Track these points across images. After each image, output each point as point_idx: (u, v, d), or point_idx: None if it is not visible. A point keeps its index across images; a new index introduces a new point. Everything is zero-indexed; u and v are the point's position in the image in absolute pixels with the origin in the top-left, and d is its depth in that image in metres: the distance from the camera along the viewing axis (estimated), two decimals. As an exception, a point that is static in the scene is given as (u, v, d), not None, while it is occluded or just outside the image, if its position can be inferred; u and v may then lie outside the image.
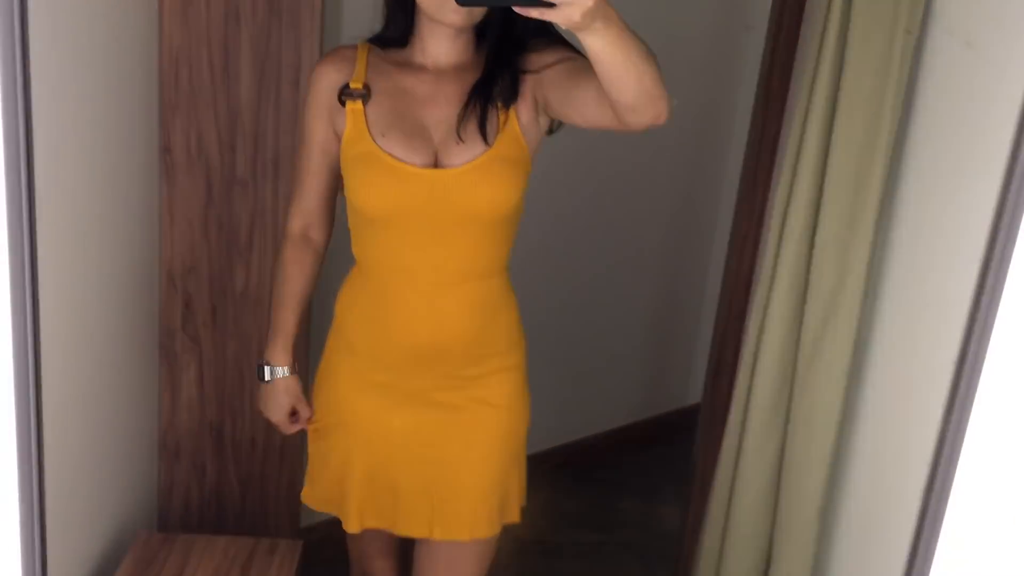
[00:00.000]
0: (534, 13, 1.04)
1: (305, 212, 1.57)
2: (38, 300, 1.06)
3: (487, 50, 1.44)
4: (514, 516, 1.58)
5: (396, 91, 1.45)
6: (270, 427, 2.10)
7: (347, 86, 1.44)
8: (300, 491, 2.13)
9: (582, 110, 1.32)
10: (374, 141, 1.42)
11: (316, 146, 1.50)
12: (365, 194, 1.43)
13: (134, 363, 1.92)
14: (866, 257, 1.46)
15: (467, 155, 1.40)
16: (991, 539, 1.08)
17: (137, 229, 1.87)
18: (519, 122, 1.42)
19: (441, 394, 1.52)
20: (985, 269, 0.99)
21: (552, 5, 1.03)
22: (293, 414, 1.64)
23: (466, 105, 1.41)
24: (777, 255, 1.55)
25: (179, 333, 2.01)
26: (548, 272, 2.75)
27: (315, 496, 1.67)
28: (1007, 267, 0.99)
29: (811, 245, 1.52)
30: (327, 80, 1.46)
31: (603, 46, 1.11)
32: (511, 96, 1.42)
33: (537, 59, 1.41)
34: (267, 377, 1.60)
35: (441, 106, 1.43)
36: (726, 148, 2.99)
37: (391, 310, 1.48)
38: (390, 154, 1.41)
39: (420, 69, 1.46)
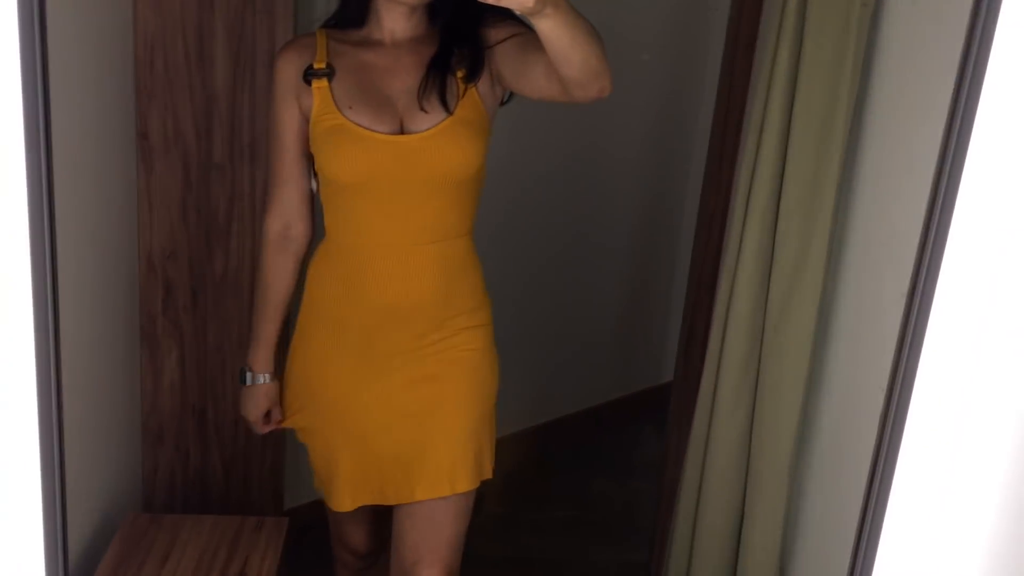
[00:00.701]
0: (491, 0, 1.13)
1: (284, 208, 1.60)
2: (57, 295, 1.10)
3: (442, 24, 1.52)
4: (487, 472, 1.63)
5: (358, 67, 1.52)
6: (252, 410, 2.15)
7: (311, 67, 1.51)
8: (283, 473, 2.18)
9: (533, 83, 1.42)
10: (342, 114, 1.48)
11: (288, 134, 1.55)
12: (337, 164, 1.49)
13: (116, 349, 1.94)
14: (828, 225, 1.52)
15: (430, 121, 1.48)
16: (938, 492, 1.15)
17: (116, 215, 1.89)
18: (477, 91, 1.51)
19: (411, 359, 1.57)
20: (926, 230, 1.05)
21: None
22: (267, 415, 1.71)
23: (426, 77, 1.49)
24: (743, 225, 1.60)
25: (160, 318, 2.03)
26: (519, 254, 2.80)
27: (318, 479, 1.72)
28: (945, 232, 1.06)
29: (775, 214, 1.58)
30: (289, 66, 1.53)
31: (552, 27, 1.21)
32: (475, 72, 1.50)
33: (492, 34, 1.49)
34: (248, 382, 1.69)
35: (402, 77, 1.51)
36: (694, 126, 3.04)
37: (364, 273, 1.54)
38: (358, 124, 1.48)
39: (378, 44, 1.54)
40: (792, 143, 1.52)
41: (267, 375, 1.68)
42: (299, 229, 1.62)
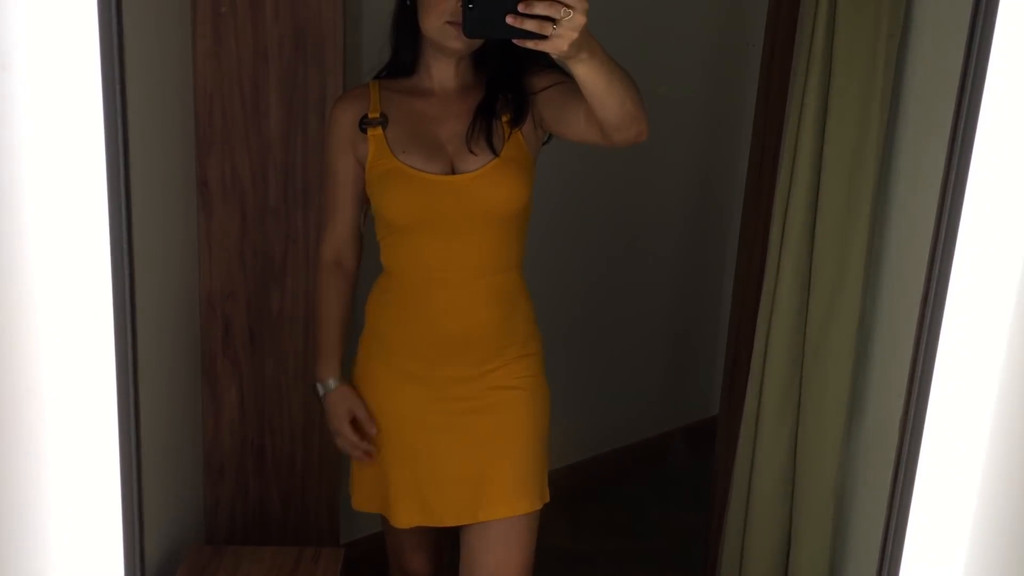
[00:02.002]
0: (529, 44, 1.23)
1: (336, 241, 1.71)
2: (136, 338, 1.19)
3: (487, 72, 1.62)
4: (547, 495, 1.68)
5: (410, 114, 1.62)
6: (308, 444, 2.22)
7: (366, 116, 1.62)
8: (339, 507, 2.24)
9: (573, 127, 1.51)
10: (396, 158, 1.58)
11: (342, 177, 1.66)
12: (393, 205, 1.58)
13: (180, 386, 2.02)
14: (864, 248, 1.55)
15: (479, 162, 1.56)
16: (958, 496, 1.16)
17: (179, 259, 1.99)
18: (522, 133, 1.60)
19: (471, 386, 1.64)
20: (933, 252, 1.08)
21: (545, 38, 1.21)
22: (355, 426, 1.71)
23: (473, 123, 1.58)
24: (780, 252, 1.64)
25: (220, 357, 2.11)
26: (566, 288, 2.85)
27: (360, 498, 1.78)
28: (951, 252, 1.09)
29: (812, 240, 1.61)
30: (345, 116, 1.63)
31: (588, 72, 1.30)
32: (520, 117, 1.59)
33: (535, 81, 1.59)
34: (321, 392, 1.74)
35: (451, 124, 1.60)
36: (737, 158, 3.08)
37: (421, 307, 1.62)
38: (411, 167, 1.57)
39: (428, 93, 1.63)
40: (825, 171, 1.56)
41: (335, 380, 1.72)
42: (349, 255, 1.73)
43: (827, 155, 1.55)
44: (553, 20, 1.20)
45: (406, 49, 1.63)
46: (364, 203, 1.69)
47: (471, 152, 1.56)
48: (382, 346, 1.69)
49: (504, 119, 1.59)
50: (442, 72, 1.62)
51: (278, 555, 1.91)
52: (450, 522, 1.69)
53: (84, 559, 1.19)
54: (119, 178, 1.12)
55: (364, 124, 1.61)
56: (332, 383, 1.73)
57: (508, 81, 1.60)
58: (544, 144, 1.66)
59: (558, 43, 1.23)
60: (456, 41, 1.53)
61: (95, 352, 1.14)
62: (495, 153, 1.56)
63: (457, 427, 1.65)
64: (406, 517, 1.70)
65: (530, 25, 1.20)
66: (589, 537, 2.79)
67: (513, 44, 1.23)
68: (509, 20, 1.20)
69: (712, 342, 3.27)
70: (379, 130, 1.60)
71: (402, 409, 1.68)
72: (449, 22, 1.51)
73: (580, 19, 1.21)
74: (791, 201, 1.62)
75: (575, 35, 1.22)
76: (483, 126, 1.58)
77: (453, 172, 1.57)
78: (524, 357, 1.67)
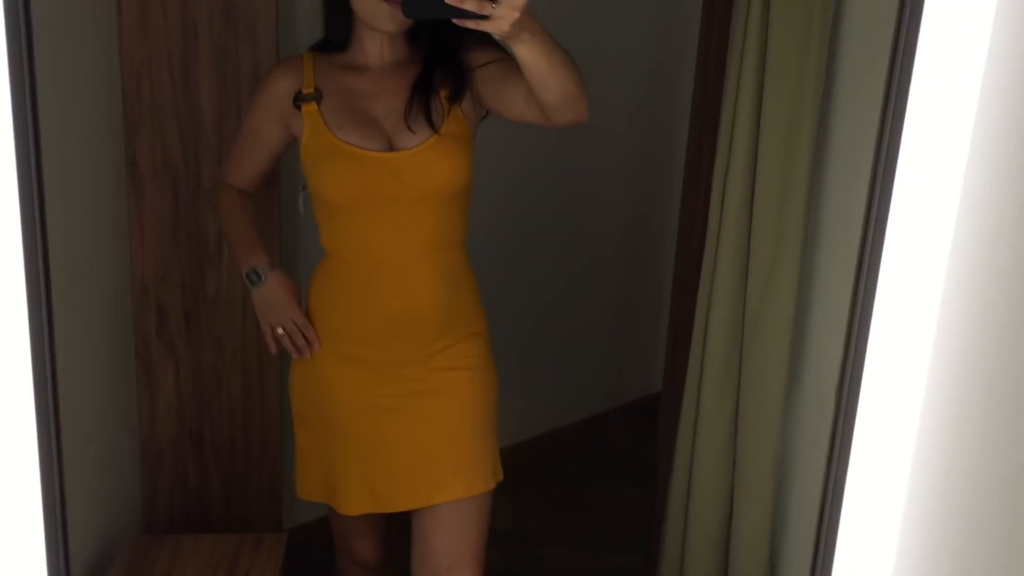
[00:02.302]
0: (470, 24, 1.23)
1: (240, 182, 1.71)
2: (53, 323, 1.14)
3: (423, 48, 1.59)
4: (500, 474, 1.68)
5: (344, 90, 1.58)
6: (248, 430, 2.18)
7: (300, 92, 1.58)
8: (281, 493, 2.20)
9: (512, 106, 1.50)
10: (332, 134, 1.54)
11: (266, 138, 1.64)
12: (331, 182, 1.54)
13: (113, 373, 1.97)
14: (801, 223, 1.56)
15: (418, 139, 1.54)
16: (889, 479, 1.18)
17: (108, 242, 1.93)
18: (461, 109, 1.57)
19: (420, 368, 1.61)
20: (866, 225, 1.09)
21: (485, 18, 1.21)
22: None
23: (411, 99, 1.55)
24: (720, 227, 1.65)
25: (155, 341, 2.06)
26: (510, 268, 2.84)
27: (307, 487, 1.74)
28: (884, 225, 1.10)
29: (750, 215, 1.62)
30: (278, 87, 1.60)
31: (529, 52, 1.30)
32: (458, 93, 1.56)
33: (473, 57, 1.56)
34: (262, 276, 1.63)
35: (387, 100, 1.57)
36: (677, 136, 3.09)
37: (365, 288, 1.59)
38: (348, 143, 1.53)
39: (363, 68, 1.59)
40: (762, 144, 1.57)
41: (267, 266, 1.63)
42: (249, 190, 1.73)
43: (764, 131, 1.56)
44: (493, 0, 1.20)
45: (338, 26, 1.59)
46: (276, 161, 1.69)
47: (409, 129, 1.53)
48: (325, 331, 1.65)
49: (443, 95, 1.56)
50: (376, 48, 1.58)
51: (219, 543, 1.87)
52: (402, 507, 1.67)
53: (4, 555, 1.15)
54: (28, 154, 1.06)
55: (299, 100, 1.57)
56: (267, 269, 1.62)
57: (445, 56, 1.57)
58: (482, 119, 1.63)
59: (499, 23, 1.22)
60: (389, 22, 1.50)
61: (9, 339, 1.09)
62: (435, 129, 1.53)
63: (405, 410, 1.63)
64: (355, 504, 1.67)
65: (470, 4, 1.20)
66: (533, 516, 2.80)
67: (451, 21, 1.22)
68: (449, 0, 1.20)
69: (654, 321, 3.29)
70: (313, 106, 1.56)
71: (348, 395, 1.64)
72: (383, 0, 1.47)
73: None
74: (729, 176, 1.62)
75: (516, 15, 1.21)
76: (421, 102, 1.55)
77: (391, 149, 1.54)
78: (471, 337, 1.65)
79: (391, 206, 1.54)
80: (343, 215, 1.57)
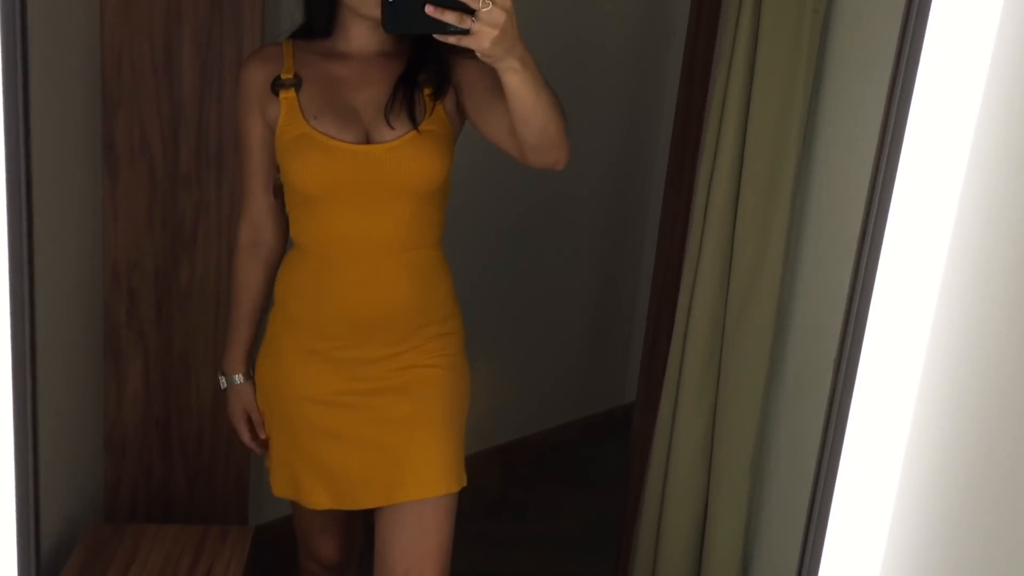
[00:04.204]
0: (451, 40, 1.22)
1: (253, 217, 1.63)
2: (34, 306, 1.11)
3: (411, 40, 1.55)
4: (464, 479, 1.62)
5: (325, 78, 1.53)
6: (217, 422, 2.14)
7: (279, 78, 1.53)
8: (247, 487, 2.16)
9: (492, 130, 1.48)
10: (308, 123, 1.50)
11: (255, 143, 1.57)
12: (302, 173, 1.50)
13: (80, 359, 1.93)
14: (785, 224, 1.56)
15: (396, 133, 1.50)
16: (881, 484, 1.18)
17: (81, 225, 1.89)
18: (444, 108, 1.54)
19: (386, 367, 1.57)
20: (863, 235, 1.09)
21: (466, 32, 1.20)
22: (250, 424, 1.71)
23: (394, 94, 1.51)
24: (703, 228, 1.64)
25: (124, 329, 2.02)
26: (485, 275, 2.82)
27: (279, 482, 1.69)
28: (882, 228, 1.11)
29: (734, 216, 1.62)
30: (255, 76, 1.54)
31: (518, 84, 1.28)
32: (442, 88, 1.53)
33: (465, 68, 1.52)
34: (223, 385, 1.70)
35: (368, 90, 1.52)
36: (655, 142, 3.10)
37: (332, 282, 1.55)
38: (324, 133, 1.49)
39: (345, 56, 1.55)
40: (748, 145, 1.57)
41: (239, 376, 1.68)
42: (268, 235, 1.64)
43: (751, 130, 1.56)
44: (472, 12, 1.19)
45: (321, 10, 1.55)
46: (277, 175, 1.60)
47: (388, 124, 1.50)
48: (290, 324, 1.61)
49: (427, 91, 1.53)
50: (361, 36, 1.53)
51: (182, 534, 1.83)
52: (364, 504, 1.63)
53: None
54: (17, 134, 1.03)
55: (276, 86, 1.53)
56: (237, 379, 1.68)
57: (432, 51, 1.53)
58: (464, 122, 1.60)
59: (479, 39, 1.20)
60: (375, 8, 1.44)
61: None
62: (414, 125, 1.50)
63: (368, 407, 1.59)
64: (316, 499, 1.63)
65: (450, 17, 1.19)
66: (503, 523, 2.77)
67: (432, 37, 1.22)
68: (429, 11, 1.19)
69: (628, 330, 3.29)
70: (292, 92, 1.52)
71: (309, 389, 1.60)
72: None
73: (499, 14, 1.19)
74: (715, 176, 1.62)
75: (495, 32, 1.20)
76: (404, 97, 1.51)
77: (368, 141, 1.51)
78: (442, 336, 1.61)
79: (363, 199, 1.50)
80: (314, 206, 1.52)
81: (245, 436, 1.70)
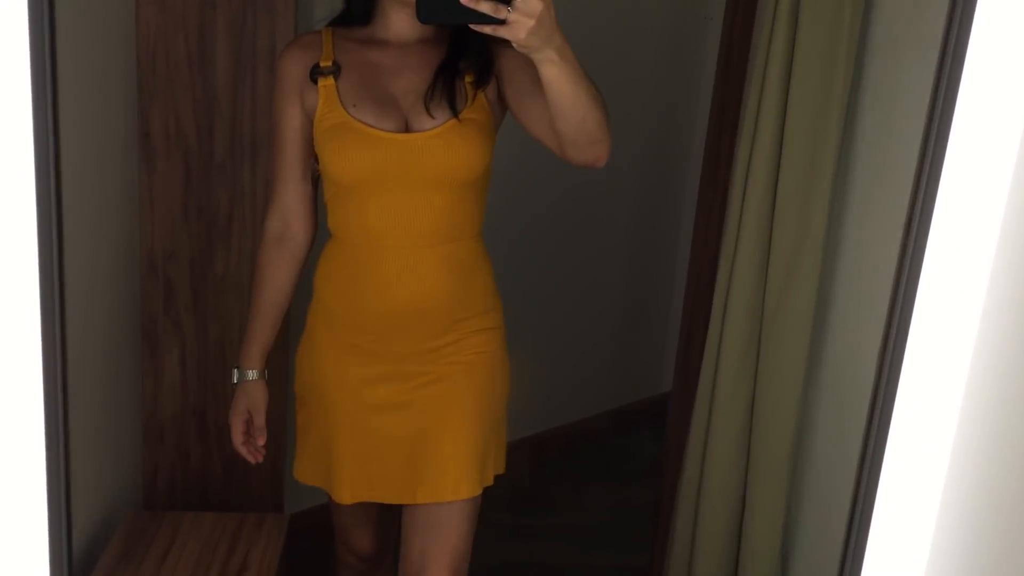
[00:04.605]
0: (487, 30, 1.19)
1: (283, 211, 1.59)
2: (64, 296, 1.11)
3: (450, 28, 1.51)
4: (489, 479, 1.61)
5: (364, 65, 1.51)
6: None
7: (317, 65, 1.50)
8: (283, 476, 2.17)
9: (533, 122, 1.45)
10: (347, 111, 1.48)
11: (291, 131, 1.54)
12: (341, 161, 1.47)
13: (118, 349, 1.94)
14: (825, 211, 1.53)
15: (436, 121, 1.47)
16: (927, 479, 1.15)
17: (118, 215, 1.90)
18: (486, 96, 1.51)
19: (423, 361, 1.55)
20: (911, 215, 1.06)
21: (502, 22, 1.17)
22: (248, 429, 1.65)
23: (434, 83, 1.48)
24: (740, 215, 1.61)
25: (161, 318, 2.04)
26: (517, 262, 2.81)
27: (303, 469, 1.70)
28: (929, 217, 1.07)
29: (772, 203, 1.59)
30: (294, 65, 1.52)
31: (555, 76, 1.25)
32: (484, 78, 1.50)
33: (507, 56, 1.48)
34: (235, 379, 1.64)
35: (408, 77, 1.50)
36: (692, 131, 3.07)
37: (370, 275, 1.52)
38: (362, 122, 1.47)
39: (384, 44, 1.52)
40: (788, 128, 1.53)
41: (254, 372, 1.63)
42: (297, 229, 1.60)
43: (790, 118, 1.53)
44: (508, 2, 1.17)
45: None
46: (315, 164, 1.58)
47: (428, 110, 1.48)
48: (328, 317, 1.59)
49: (468, 79, 1.50)
50: (400, 22, 1.51)
51: (219, 521, 1.84)
52: (390, 500, 1.62)
53: (5, 529, 1.12)
54: (46, 123, 1.03)
55: (315, 73, 1.50)
56: (251, 374, 1.63)
57: (474, 38, 1.44)
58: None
59: (515, 29, 1.18)
60: None
61: (17, 309, 1.07)
62: (455, 113, 1.47)
63: (403, 404, 1.57)
64: (348, 492, 1.62)
65: (485, 7, 1.17)
66: (537, 515, 2.76)
67: (467, 26, 1.19)
68: (464, 1, 1.17)
69: (663, 318, 3.26)
70: (331, 80, 1.50)
71: (345, 384, 1.59)
72: None
73: (536, 4, 1.17)
74: (752, 163, 1.59)
75: (531, 22, 1.17)
76: (445, 85, 1.48)
77: (407, 130, 1.48)
78: (483, 331, 1.58)
79: (402, 189, 1.48)
80: (352, 196, 1.50)
81: (238, 437, 1.64)
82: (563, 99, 1.27)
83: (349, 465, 1.62)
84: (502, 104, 1.53)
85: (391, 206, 1.49)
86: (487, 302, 1.60)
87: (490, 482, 1.61)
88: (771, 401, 1.61)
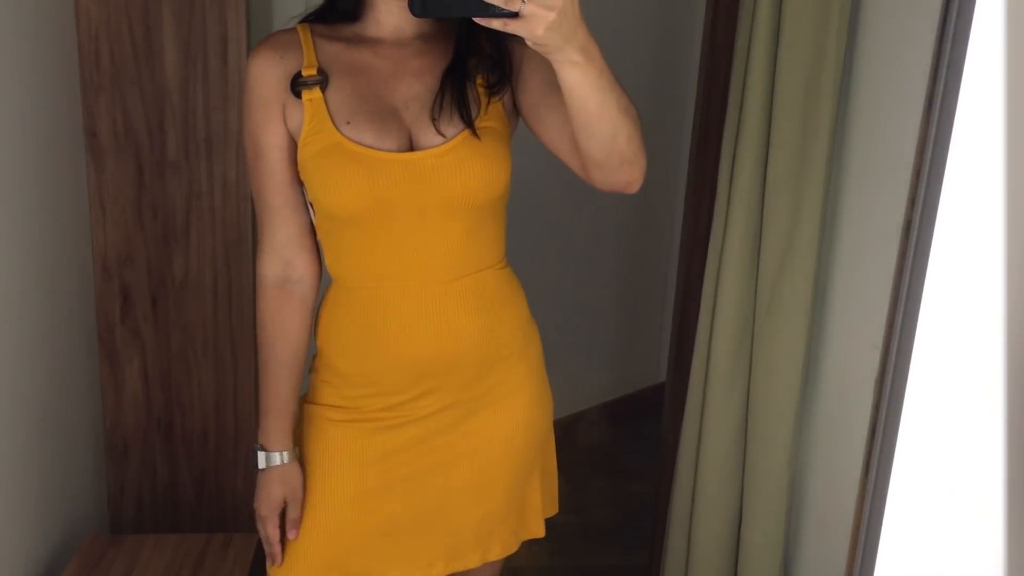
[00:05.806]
0: (496, 24, 0.95)
1: (280, 245, 1.29)
2: None
3: (455, 21, 1.26)
4: (538, 530, 1.44)
5: (355, 71, 1.24)
6: (222, 419, 2.03)
7: (299, 74, 1.22)
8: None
9: (548, 132, 1.21)
10: (338, 130, 1.20)
11: (276, 152, 1.25)
12: (336, 192, 1.20)
13: (73, 361, 1.83)
14: (820, 190, 1.40)
15: (446, 135, 1.21)
16: (935, 477, 1.05)
17: (66, 219, 1.78)
18: (502, 102, 1.26)
19: (454, 417, 1.31)
20: (912, 206, 0.95)
21: (515, 15, 0.94)
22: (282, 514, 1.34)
23: (442, 90, 1.23)
24: (729, 195, 1.49)
25: (119, 327, 1.92)
26: (512, 255, 2.68)
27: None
28: (934, 208, 0.96)
29: (763, 185, 1.47)
30: (269, 71, 1.23)
31: (577, 81, 1.02)
32: (500, 81, 1.25)
33: (517, 49, 1.24)
34: (262, 464, 1.33)
35: (408, 83, 1.24)
36: (681, 118, 2.96)
37: (385, 323, 1.26)
38: (358, 142, 1.20)
39: (377, 43, 1.26)
40: (777, 102, 1.41)
41: (285, 453, 1.32)
42: (302, 267, 1.30)
43: (779, 86, 1.39)
44: None
45: None
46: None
47: (435, 123, 1.21)
48: (334, 377, 1.31)
49: (479, 82, 1.24)
50: (395, 16, 1.24)
51: (183, 543, 1.73)
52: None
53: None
54: None
55: (298, 85, 1.21)
56: (280, 457, 1.31)
57: (484, 31, 1.12)
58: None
59: (531, 24, 0.94)
60: None
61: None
62: (467, 124, 1.21)
63: (423, 479, 1.32)
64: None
65: None
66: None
67: (471, 21, 0.96)
68: None
69: (662, 309, 3.16)
70: (317, 92, 1.21)
71: (361, 458, 1.31)
72: None
73: None
74: (740, 144, 1.46)
75: (551, 15, 0.94)
76: (454, 93, 1.22)
77: (412, 148, 1.21)
78: (521, 367, 1.34)
79: (410, 219, 1.21)
80: (352, 232, 1.23)
81: (275, 533, 1.32)
82: (587, 110, 1.04)
83: (360, 553, 1.34)
84: (516, 112, 1.28)
85: (400, 240, 1.22)
86: (525, 334, 1.34)
87: (538, 533, 1.45)
88: (767, 402, 1.49)
